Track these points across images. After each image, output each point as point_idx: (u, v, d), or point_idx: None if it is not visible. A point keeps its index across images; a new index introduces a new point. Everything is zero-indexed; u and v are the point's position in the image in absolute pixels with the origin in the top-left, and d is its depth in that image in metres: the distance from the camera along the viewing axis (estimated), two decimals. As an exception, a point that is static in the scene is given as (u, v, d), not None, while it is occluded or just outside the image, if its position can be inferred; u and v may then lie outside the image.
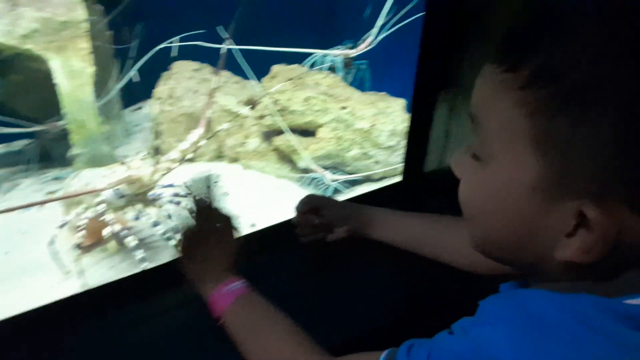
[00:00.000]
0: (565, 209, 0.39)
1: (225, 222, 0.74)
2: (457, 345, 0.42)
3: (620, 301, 0.38)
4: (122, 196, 1.58)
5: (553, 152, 0.38)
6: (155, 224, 1.58)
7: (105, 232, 1.52)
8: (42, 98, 2.32)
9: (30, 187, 2.38)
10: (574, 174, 0.38)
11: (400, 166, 2.25)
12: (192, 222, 0.73)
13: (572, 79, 0.36)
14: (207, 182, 0.74)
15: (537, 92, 0.38)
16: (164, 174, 1.62)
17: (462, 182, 0.50)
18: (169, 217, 1.60)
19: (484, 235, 0.48)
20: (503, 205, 0.44)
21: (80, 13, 2.27)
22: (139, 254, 1.52)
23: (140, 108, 3.03)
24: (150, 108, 2.65)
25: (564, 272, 0.42)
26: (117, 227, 1.54)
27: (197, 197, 0.73)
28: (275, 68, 2.42)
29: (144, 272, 0.96)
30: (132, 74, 2.51)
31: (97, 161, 2.24)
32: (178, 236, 1.51)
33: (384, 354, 0.49)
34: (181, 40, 2.46)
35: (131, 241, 1.53)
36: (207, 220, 0.73)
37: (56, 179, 2.41)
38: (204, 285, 0.70)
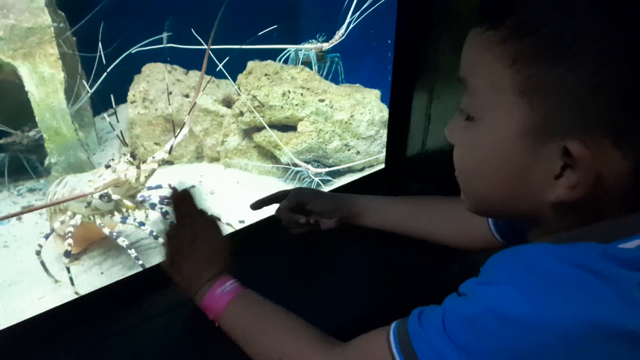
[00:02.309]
0: (552, 152, 0.42)
1: (210, 223, 0.71)
2: (469, 307, 0.43)
3: (615, 246, 0.41)
4: (110, 200, 1.55)
5: (536, 97, 0.42)
6: (141, 224, 1.57)
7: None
8: (13, 108, 2.25)
9: (4, 201, 2.30)
10: (556, 115, 0.41)
11: (380, 155, 2.30)
12: (171, 227, 0.70)
13: (548, 29, 0.40)
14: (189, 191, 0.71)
15: (518, 44, 0.42)
16: (148, 176, 1.60)
17: (456, 147, 0.52)
18: (164, 216, 1.59)
19: (481, 193, 0.51)
20: (496, 157, 0.47)
21: (46, 18, 2.21)
22: (133, 252, 1.50)
23: (112, 114, 2.96)
24: (123, 113, 2.60)
25: (558, 217, 0.45)
26: (107, 231, 1.51)
27: (172, 202, 0.70)
28: (251, 64, 2.42)
29: (135, 275, 0.92)
30: (102, 79, 2.46)
31: (75, 169, 2.19)
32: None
33: (392, 326, 0.50)
34: (150, 42, 2.43)
35: (122, 242, 1.52)
36: (188, 224, 0.69)
37: (31, 190, 2.34)
38: (195, 289, 0.68)
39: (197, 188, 0.71)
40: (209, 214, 0.72)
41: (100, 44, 2.10)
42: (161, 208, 1.66)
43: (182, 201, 0.69)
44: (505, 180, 0.47)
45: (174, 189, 0.70)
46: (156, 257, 1.67)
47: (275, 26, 2.34)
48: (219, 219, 0.74)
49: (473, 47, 0.47)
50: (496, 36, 0.44)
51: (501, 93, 0.44)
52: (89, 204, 1.53)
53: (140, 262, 1.52)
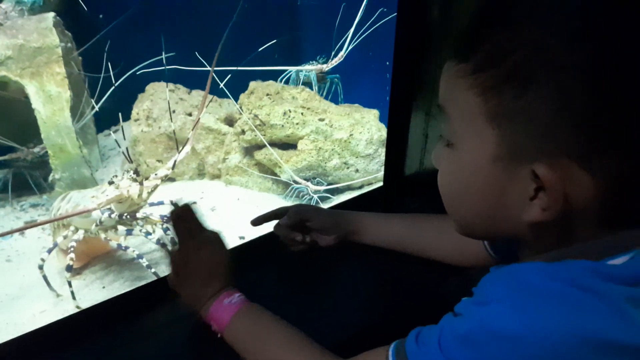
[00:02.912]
0: (524, 175, 0.44)
1: (212, 237, 0.73)
2: (464, 326, 0.44)
3: (604, 263, 0.43)
4: (112, 215, 1.59)
5: (504, 124, 0.45)
6: (148, 234, 1.60)
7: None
8: (19, 125, 2.30)
9: (7, 217, 2.33)
10: (524, 140, 0.44)
11: (379, 174, 2.34)
12: (176, 241, 0.73)
13: (510, 61, 0.43)
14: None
15: (485, 75, 0.45)
16: (150, 192, 1.63)
17: (439, 172, 0.55)
18: (165, 232, 1.62)
19: (464, 216, 0.54)
20: (473, 181, 0.49)
21: (54, 39, 2.27)
22: (145, 261, 1.54)
23: (116, 131, 3.01)
24: (126, 131, 2.64)
25: (537, 237, 0.47)
26: (113, 244, 1.54)
27: (171, 219, 0.72)
28: (253, 84, 2.47)
29: (136, 289, 0.91)
30: (106, 97, 2.51)
31: (78, 185, 2.22)
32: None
33: (391, 346, 0.52)
34: (154, 62, 2.48)
35: (133, 252, 1.55)
36: (188, 240, 0.72)
37: (34, 206, 2.38)
38: (200, 301, 0.69)
39: (196, 203, 0.73)
40: (209, 228, 0.74)
41: (108, 63, 2.15)
42: (162, 224, 1.69)
43: (181, 218, 0.71)
44: (483, 203, 0.50)
45: (175, 205, 0.71)
46: (160, 268, 1.69)
47: (275, 40, 2.41)
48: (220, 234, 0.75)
49: (448, 79, 0.50)
50: (467, 68, 0.47)
51: (474, 120, 0.47)
52: (101, 222, 1.56)
53: (153, 270, 1.55)
